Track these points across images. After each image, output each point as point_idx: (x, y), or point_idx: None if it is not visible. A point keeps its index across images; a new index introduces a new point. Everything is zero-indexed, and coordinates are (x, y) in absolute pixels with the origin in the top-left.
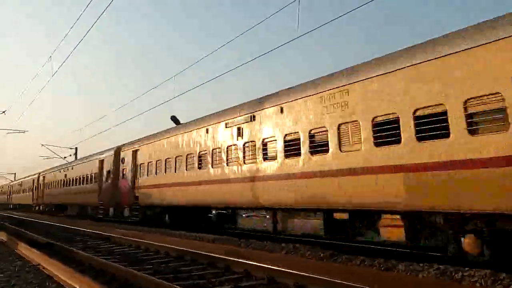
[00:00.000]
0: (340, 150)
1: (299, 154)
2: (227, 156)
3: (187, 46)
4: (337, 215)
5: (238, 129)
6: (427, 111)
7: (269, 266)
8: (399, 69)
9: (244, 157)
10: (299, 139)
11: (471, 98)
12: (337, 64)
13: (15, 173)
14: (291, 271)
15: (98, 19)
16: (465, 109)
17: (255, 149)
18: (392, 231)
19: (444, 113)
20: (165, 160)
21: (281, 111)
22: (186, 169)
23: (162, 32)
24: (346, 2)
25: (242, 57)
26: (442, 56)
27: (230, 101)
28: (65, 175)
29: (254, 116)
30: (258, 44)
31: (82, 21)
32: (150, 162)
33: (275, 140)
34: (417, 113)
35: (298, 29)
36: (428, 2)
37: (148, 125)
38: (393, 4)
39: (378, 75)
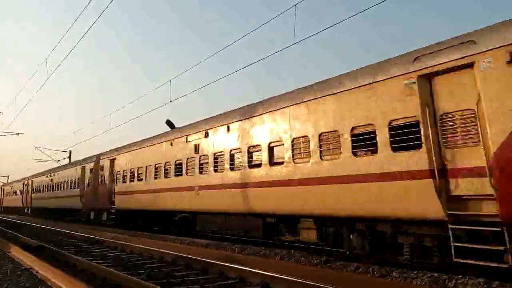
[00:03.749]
0: None
1: None
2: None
3: (184, 47)
4: None
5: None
6: None
7: (264, 272)
8: None
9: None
10: None
11: None
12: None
13: (8, 176)
14: (285, 277)
15: (95, 22)
16: None
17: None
18: None
19: None
20: (43, 186)
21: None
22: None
23: (159, 34)
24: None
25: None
26: None
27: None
28: (11, 188)
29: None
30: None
31: (78, 24)
32: (38, 185)
33: None
34: None
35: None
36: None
37: (142, 129)
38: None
39: None
